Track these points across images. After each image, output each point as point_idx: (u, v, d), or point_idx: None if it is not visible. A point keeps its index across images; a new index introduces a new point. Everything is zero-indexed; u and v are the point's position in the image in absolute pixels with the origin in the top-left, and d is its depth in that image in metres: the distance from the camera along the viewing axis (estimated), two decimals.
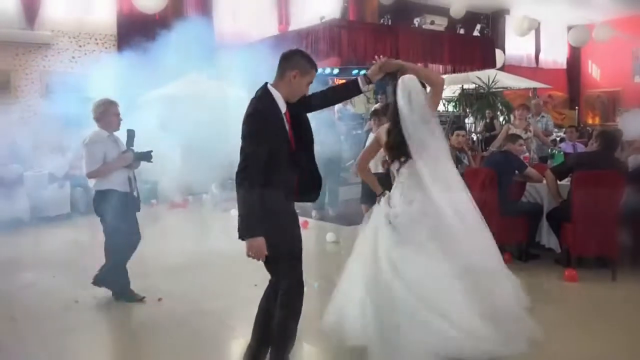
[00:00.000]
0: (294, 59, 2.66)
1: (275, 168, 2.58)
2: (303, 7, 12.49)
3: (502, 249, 5.04)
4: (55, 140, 8.66)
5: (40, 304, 4.26)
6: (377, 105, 9.78)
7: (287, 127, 2.65)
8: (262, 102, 2.62)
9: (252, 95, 2.82)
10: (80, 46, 10.30)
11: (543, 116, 7.87)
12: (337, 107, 11.75)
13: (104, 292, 4.43)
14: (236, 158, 2.85)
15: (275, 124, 2.59)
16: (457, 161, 5.50)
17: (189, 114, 7.79)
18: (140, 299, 4.25)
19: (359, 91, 2.83)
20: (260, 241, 2.49)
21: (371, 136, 6.49)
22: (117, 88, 7.88)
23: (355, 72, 13.46)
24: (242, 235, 2.51)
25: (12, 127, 8.73)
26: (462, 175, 5.29)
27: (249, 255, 2.53)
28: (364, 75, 2.84)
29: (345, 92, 2.95)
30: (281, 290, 2.69)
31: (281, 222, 2.65)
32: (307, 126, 2.77)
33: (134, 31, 9.95)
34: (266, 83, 2.68)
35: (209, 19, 11.09)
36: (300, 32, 9.96)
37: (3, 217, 7.51)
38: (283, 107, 2.66)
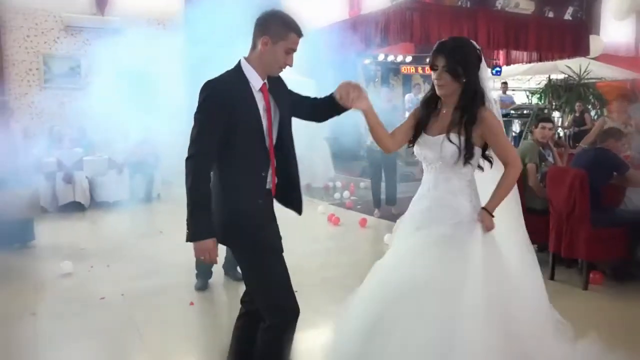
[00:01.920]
0: (264, 23, 2.11)
1: (245, 158, 2.09)
2: None
3: (593, 266, 4.29)
4: (119, 126, 8.64)
5: (70, 298, 4.01)
6: None
7: (259, 107, 2.12)
8: (228, 73, 2.14)
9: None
10: (148, 32, 10.25)
11: None
12: (407, 96, 11.04)
13: (131, 291, 4.13)
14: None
15: (242, 100, 2.09)
16: (541, 158, 4.71)
17: None
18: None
19: (342, 110, 2.34)
20: (210, 243, 2.06)
21: None
22: (185, 73, 7.74)
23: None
24: (191, 237, 2.06)
25: (82, 112, 8.82)
26: (545, 175, 4.58)
27: (200, 261, 2.19)
28: None
29: (332, 108, 2.35)
30: (270, 324, 2.12)
31: (263, 230, 2.16)
32: (285, 120, 2.23)
33: (201, 16, 9.79)
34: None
35: (278, 4, 10.72)
36: (368, 16, 9.34)
37: (63, 201, 7.59)
38: (257, 83, 2.13)
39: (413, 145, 2.39)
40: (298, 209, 2.30)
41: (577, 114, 10.98)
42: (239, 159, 2.10)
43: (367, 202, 7.65)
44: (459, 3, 9.98)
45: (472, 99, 2.23)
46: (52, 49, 9.67)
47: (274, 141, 2.18)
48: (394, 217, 6.92)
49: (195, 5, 10.27)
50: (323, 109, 2.37)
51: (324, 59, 10.32)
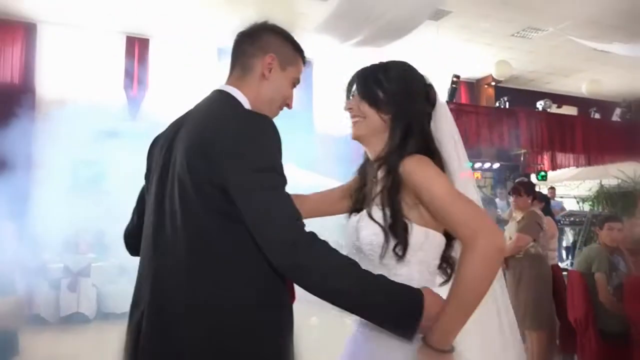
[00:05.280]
0: (264, 37, 1.38)
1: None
2: None
3: None
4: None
5: None
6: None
7: None
8: (256, 113, 1.33)
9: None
10: None
11: None
12: None
13: None
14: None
15: None
16: (611, 267, 3.80)
17: None
18: None
19: None
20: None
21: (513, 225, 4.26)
22: None
23: (469, 164, 12.16)
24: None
25: (102, 217, 8.49)
26: (620, 286, 3.65)
27: None
28: None
29: None
30: None
31: None
32: None
33: None
34: (215, 90, 1.45)
35: (309, 113, 10.53)
36: None
37: (66, 311, 6.92)
38: None
39: None
40: None
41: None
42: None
43: None
44: (497, 104, 9.52)
45: (399, 145, 1.37)
46: (80, 154, 9.62)
47: None
48: None
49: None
50: None
51: (353, 163, 9.88)
